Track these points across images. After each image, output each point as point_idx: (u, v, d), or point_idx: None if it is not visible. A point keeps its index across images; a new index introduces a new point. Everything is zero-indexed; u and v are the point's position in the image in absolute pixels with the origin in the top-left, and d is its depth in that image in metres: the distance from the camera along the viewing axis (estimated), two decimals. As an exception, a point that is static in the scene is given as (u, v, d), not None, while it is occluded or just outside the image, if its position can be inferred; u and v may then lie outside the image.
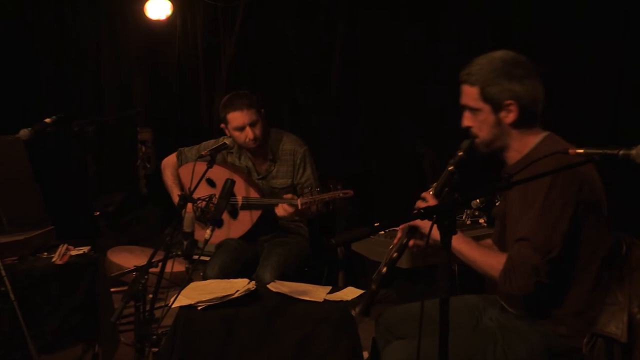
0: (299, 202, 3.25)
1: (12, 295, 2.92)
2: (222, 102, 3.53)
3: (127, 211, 5.79)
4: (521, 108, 2.15)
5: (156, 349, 2.63)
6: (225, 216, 3.53)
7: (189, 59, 5.68)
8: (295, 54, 5.15)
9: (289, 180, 3.58)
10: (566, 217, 2.00)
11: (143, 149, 5.50)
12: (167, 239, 2.60)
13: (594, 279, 2.09)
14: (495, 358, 2.10)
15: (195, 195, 3.35)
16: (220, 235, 3.54)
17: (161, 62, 5.80)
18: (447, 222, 1.64)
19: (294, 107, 5.19)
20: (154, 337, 2.47)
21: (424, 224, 2.16)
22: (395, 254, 2.19)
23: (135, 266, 4.20)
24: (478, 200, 3.41)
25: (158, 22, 5.54)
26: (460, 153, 2.25)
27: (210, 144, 3.66)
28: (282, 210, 3.32)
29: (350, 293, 3.02)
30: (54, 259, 3.27)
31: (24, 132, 3.31)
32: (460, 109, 2.26)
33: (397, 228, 2.29)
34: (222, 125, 3.53)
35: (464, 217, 3.57)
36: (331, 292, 3.05)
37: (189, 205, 3.30)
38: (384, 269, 2.18)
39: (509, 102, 2.15)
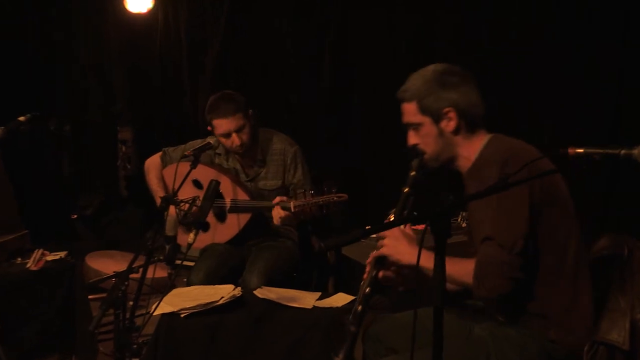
0: (291, 204, 3.23)
1: (-16, 303, 2.91)
2: (208, 104, 3.51)
3: (106, 214, 5.78)
4: (460, 114, 2.25)
5: (137, 359, 2.62)
6: (211, 219, 3.52)
7: (172, 54, 5.67)
8: (285, 51, 5.15)
9: (279, 181, 3.57)
10: (523, 208, 2.05)
11: (123, 148, 5.49)
12: (148, 243, 2.59)
13: (571, 278, 2.12)
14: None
15: (181, 198, 3.35)
16: (205, 239, 3.53)
17: (143, 57, 5.78)
18: (442, 224, 1.64)
19: (285, 106, 5.19)
20: (135, 346, 2.47)
21: (389, 250, 2.20)
22: (368, 289, 2.22)
23: (114, 272, 4.19)
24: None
25: (139, 15, 5.52)
26: (413, 173, 2.32)
27: (196, 143, 3.64)
28: (277, 216, 3.30)
29: (340, 299, 3.02)
30: (28, 265, 3.25)
31: (-5, 131, 3.29)
32: (404, 128, 2.35)
33: (367, 262, 2.33)
34: (209, 128, 3.52)
35: (459, 220, 3.58)
36: (320, 298, 3.05)
37: (172, 207, 3.30)
38: (359, 307, 2.21)
39: (447, 109, 2.24)
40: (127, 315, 2.41)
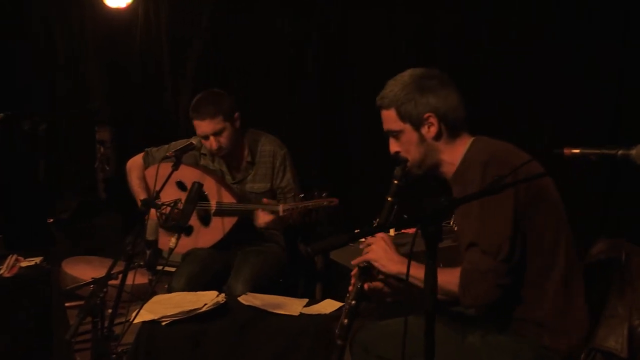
0: (280, 208, 3.23)
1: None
2: (192, 103, 3.52)
3: (84, 218, 5.75)
4: (441, 119, 2.26)
5: (116, 369, 2.62)
6: (195, 223, 3.52)
7: (152, 51, 5.66)
8: (277, 50, 5.16)
9: (267, 184, 3.57)
10: (507, 213, 2.05)
11: (101, 149, 5.48)
12: (128, 248, 2.59)
13: (562, 281, 2.13)
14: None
15: (163, 200, 3.34)
16: (187, 244, 3.53)
17: (122, 54, 5.77)
18: (433, 228, 1.64)
19: (274, 107, 5.20)
20: (114, 356, 2.47)
21: (376, 256, 2.23)
22: (353, 302, 2.25)
23: (92, 278, 4.16)
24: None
25: (118, 10, 5.51)
26: (396, 182, 2.33)
27: (180, 143, 3.63)
28: (262, 219, 3.30)
29: (328, 306, 3.03)
30: (1, 271, 3.23)
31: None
32: (385, 136, 2.36)
33: (351, 274, 2.37)
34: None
35: (451, 223, 3.59)
36: (308, 305, 3.05)
37: (153, 210, 3.29)
38: (345, 321, 2.24)
39: (427, 115, 2.26)
40: (106, 324, 2.41)
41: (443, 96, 2.26)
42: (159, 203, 3.36)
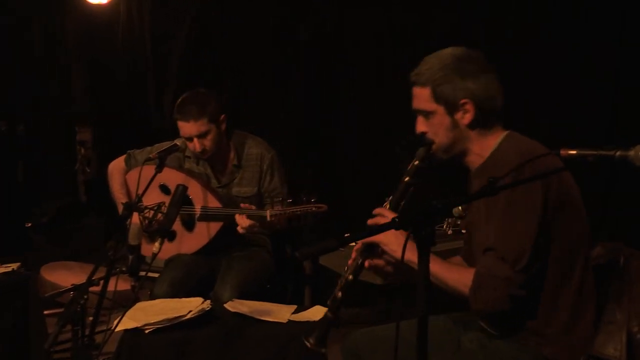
0: (267, 213, 3.23)
1: None
2: (177, 103, 3.50)
3: (63, 222, 5.73)
4: (478, 107, 2.18)
5: (97, 379, 2.61)
6: (178, 228, 3.51)
7: (135, 48, 5.65)
8: (270, 48, 5.16)
9: (254, 188, 3.56)
10: (534, 220, 2.02)
11: (82, 150, 5.46)
12: (109, 253, 2.57)
13: (575, 294, 2.11)
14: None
15: (146, 204, 3.33)
16: (171, 249, 3.51)
17: (103, 51, 5.75)
18: (425, 232, 1.63)
19: (269, 106, 5.20)
20: (95, 365, 2.45)
21: (386, 240, 2.17)
22: (350, 277, 2.21)
23: (73, 284, 4.14)
24: (460, 208, 3.43)
25: (99, 6, 5.50)
26: (417, 162, 2.25)
27: (164, 145, 3.62)
28: (241, 225, 3.28)
29: (317, 312, 3.02)
30: (-22, 278, 3.22)
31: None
32: (413, 114, 2.29)
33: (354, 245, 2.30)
34: None
35: (445, 227, 3.59)
36: (296, 311, 3.05)
37: (135, 214, 3.28)
38: (339, 294, 2.20)
39: (464, 101, 2.18)
40: (87, 332, 2.40)
41: (483, 83, 2.18)
42: (142, 207, 3.35)
